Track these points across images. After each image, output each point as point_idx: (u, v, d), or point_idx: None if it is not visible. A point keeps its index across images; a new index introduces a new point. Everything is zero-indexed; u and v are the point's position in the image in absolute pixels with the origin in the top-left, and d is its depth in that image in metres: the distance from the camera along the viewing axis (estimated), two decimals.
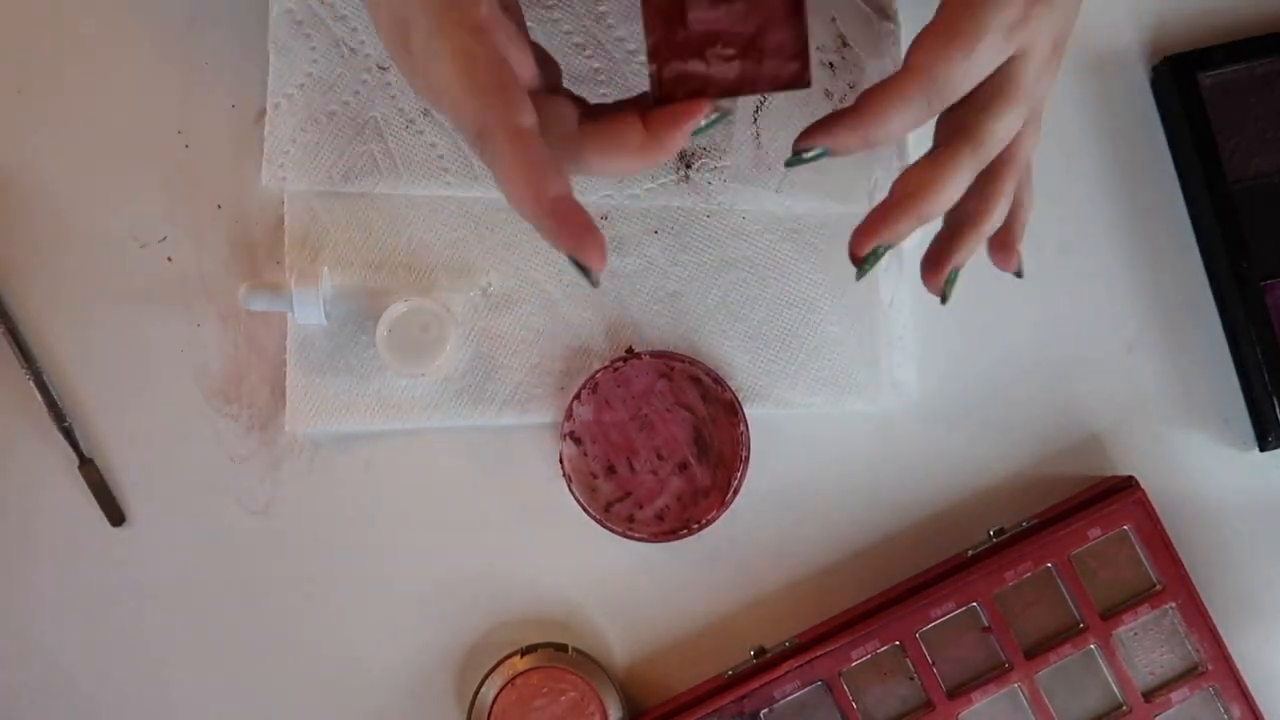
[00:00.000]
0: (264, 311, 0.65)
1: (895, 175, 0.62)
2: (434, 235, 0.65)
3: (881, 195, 0.61)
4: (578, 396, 0.63)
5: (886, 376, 0.64)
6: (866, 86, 0.62)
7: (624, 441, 0.63)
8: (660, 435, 0.63)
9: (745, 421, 0.63)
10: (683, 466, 0.63)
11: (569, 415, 0.63)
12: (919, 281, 0.65)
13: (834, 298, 0.64)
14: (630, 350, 0.64)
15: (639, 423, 0.63)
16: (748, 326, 0.65)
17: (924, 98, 0.49)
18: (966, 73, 0.49)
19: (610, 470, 0.63)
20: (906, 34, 0.66)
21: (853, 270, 0.62)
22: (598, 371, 0.63)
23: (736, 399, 0.63)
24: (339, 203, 0.65)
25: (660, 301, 0.65)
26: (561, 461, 0.63)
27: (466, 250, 0.65)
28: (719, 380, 0.63)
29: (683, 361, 0.63)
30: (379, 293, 0.65)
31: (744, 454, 0.63)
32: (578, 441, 0.63)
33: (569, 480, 0.63)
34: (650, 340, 0.65)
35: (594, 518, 0.62)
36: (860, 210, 0.62)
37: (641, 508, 0.63)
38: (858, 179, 0.63)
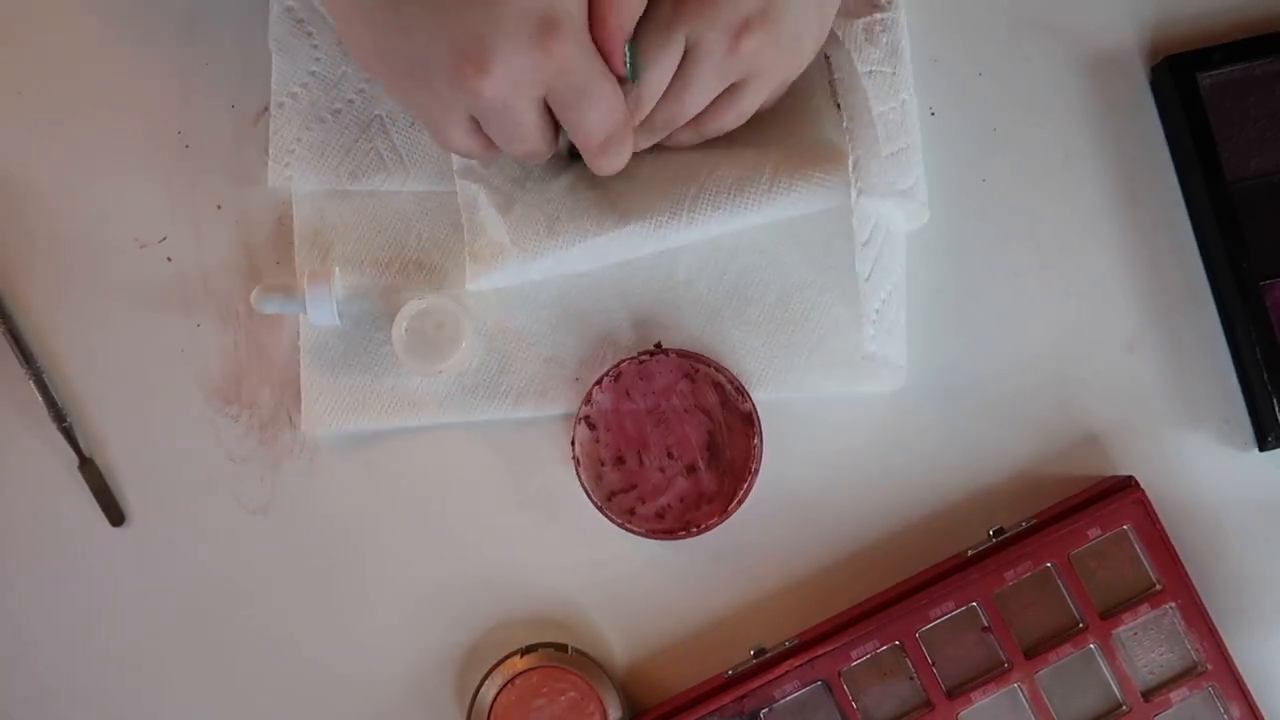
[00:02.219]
0: (277, 314, 0.65)
1: (878, 157, 0.62)
2: (444, 231, 0.65)
3: (863, 176, 0.62)
4: (599, 383, 0.63)
5: (860, 351, 0.63)
6: (904, 45, 0.64)
7: (637, 434, 0.63)
8: (674, 434, 0.63)
9: (760, 435, 0.63)
10: (691, 469, 0.63)
11: (588, 399, 0.63)
12: (917, 264, 0.66)
13: (843, 281, 0.64)
14: (658, 345, 0.64)
15: (655, 418, 0.63)
16: (760, 311, 0.65)
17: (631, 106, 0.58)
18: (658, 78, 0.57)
19: (619, 461, 0.63)
20: (912, 28, 0.66)
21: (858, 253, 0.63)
22: (623, 361, 0.63)
23: (755, 411, 0.63)
24: (347, 201, 0.65)
25: (672, 290, 0.65)
26: (574, 444, 0.63)
27: None
28: (741, 389, 0.63)
29: (708, 365, 0.63)
30: (390, 290, 0.65)
31: (754, 467, 0.63)
32: (592, 426, 0.63)
33: (577, 463, 0.63)
34: (664, 326, 0.65)
35: (595, 504, 0.62)
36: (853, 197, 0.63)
37: (644, 503, 0.63)
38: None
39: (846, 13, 0.63)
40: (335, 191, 0.65)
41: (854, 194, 0.62)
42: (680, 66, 0.57)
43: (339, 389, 0.64)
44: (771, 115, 0.63)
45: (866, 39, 0.63)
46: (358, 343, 0.65)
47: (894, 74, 0.64)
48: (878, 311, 0.63)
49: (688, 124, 0.60)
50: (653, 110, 0.58)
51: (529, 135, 0.56)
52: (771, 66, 0.58)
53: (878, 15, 0.64)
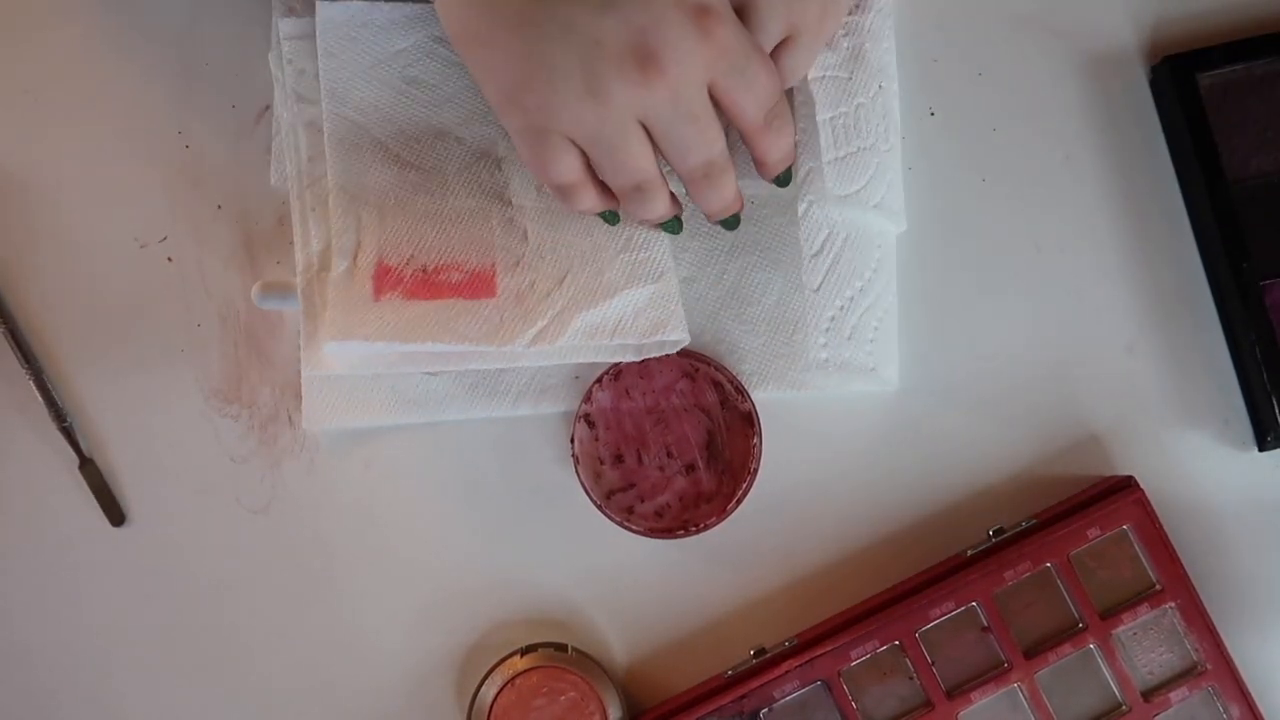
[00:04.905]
0: (277, 314, 0.65)
1: (824, 164, 0.63)
2: None
3: (812, 185, 0.63)
4: (599, 381, 0.63)
5: (809, 360, 0.64)
6: (869, 48, 0.63)
7: (637, 433, 0.63)
8: (674, 433, 0.63)
9: (760, 435, 0.63)
10: (690, 468, 0.63)
11: (588, 398, 0.63)
12: (917, 264, 0.66)
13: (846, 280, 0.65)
14: None
15: (655, 417, 0.63)
16: (760, 310, 0.65)
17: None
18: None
19: (618, 459, 0.63)
20: (912, 28, 0.66)
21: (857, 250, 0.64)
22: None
23: (755, 411, 0.63)
24: None
25: None
26: (573, 442, 0.63)
27: None
28: (740, 389, 0.63)
29: (708, 364, 0.63)
30: None
31: (753, 466, 0.63)
32: (591, 425, 0.63)
33: (576, 461, 0.63)
34: None
35: (594, 502, 0.63)
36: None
37: (643, 501, 0.63)
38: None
39: None
40: None
41: (802, 206, 0.63)
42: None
43: (340, 386, 0.64)
44: None
45: (825, 45, 0.63)
46: None
47: (850, 78, 0.64)
48: (832, 319, 0.63)
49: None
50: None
51: (708, 130, 0.54)
52: (815, 21, 0.58)
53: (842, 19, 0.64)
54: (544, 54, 0.51)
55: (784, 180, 0.61)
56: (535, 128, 0.54)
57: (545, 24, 0.51)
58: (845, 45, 0.64)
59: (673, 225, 0.61)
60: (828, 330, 0.63)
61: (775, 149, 0.57)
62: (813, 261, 0.63)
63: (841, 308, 0.64)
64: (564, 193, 0.57)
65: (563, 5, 0.51)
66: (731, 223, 0.61)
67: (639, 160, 0.54)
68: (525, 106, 0.53)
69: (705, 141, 0.54)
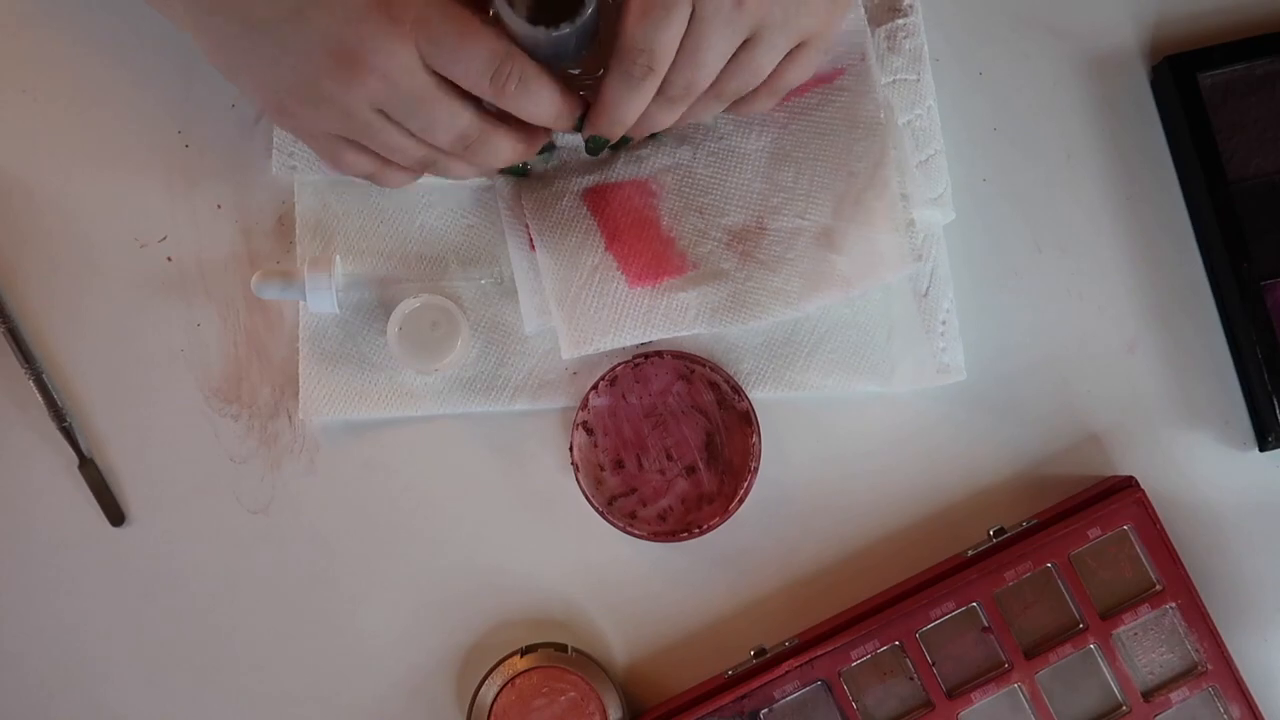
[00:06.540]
0: (275, 300, 0.65)
1: (911, 169, 0.62)
2: (445, 223, 0.65)
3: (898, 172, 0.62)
4: (595, 387, 0.63)
5: (930, 362, 0.64)
6: (927, 49, 0.64)
7: (635, 437, 0.63)
8: (672, 436, 0.63)
9: (759, 433, 0.63)
10: (691, 470, 0.63)
11: (584, 405, 0.63)
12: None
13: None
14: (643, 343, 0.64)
15: (653, 420, 0.63)
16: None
17: (642, 73, 0.55)
18: (667, 39, 0.54)
19: (619, 465, 0.63)
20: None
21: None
22: (618, 365, 0.63)
23: (753, 410, 0.63)
24: (350, 191, 0.65)
25: None
26: (571, 449, 0.63)
27: (478, 237, 0.65)
28: (737, 389, 0.63)
29: (704, 366, 0.63)
30: (391, 281, 0.65)
31: (753, 465, 0.63)
32: (589, 432, 0.63)
33: (576, 469, 0.63)
34: None
35: (597, 509, 0.62)
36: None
37: (645, 505, 0.63)
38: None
39: (870, 21, 0.64)
40: (338, 181, 0.65)
41: (906, 214, 0.62)
42: (689, 27, 0.55)
43: (338, 377, 0.64)
44: (825, 136, 0.63)
45: (889, 47, 0.63)
46: (357, 331, 0.65)
47: (919, 80, 0.64)
48: (944, 323, 0.64)
49: (707, 92, 0.58)
50: (668, 76, 0.56)
51: (438, 107, 0.54)
52: (780, 17, 0.56)
53: (899, 21, 0.64)
54: (270, 80, 0.55)
55: (592, 147, 0.62)
56: (304, 135, 0.58)
57: (262, 50, 0.54)
58: (908, 46, 0.63)
59: (517, 169, 0.63)
60: (942, 334, 0.64)
61: (519, 109, 0.56)
62: (921, 267, 0.64)
63: (948, 310, 0.64)
64: (383, 178, 0.60)
65: (272, 30, 0.54)
66: (594, 145, 0.61)
67: (400, 143, 0.56)
68: (282, 124, 0.59)
69: (443, 119, 0.55)
